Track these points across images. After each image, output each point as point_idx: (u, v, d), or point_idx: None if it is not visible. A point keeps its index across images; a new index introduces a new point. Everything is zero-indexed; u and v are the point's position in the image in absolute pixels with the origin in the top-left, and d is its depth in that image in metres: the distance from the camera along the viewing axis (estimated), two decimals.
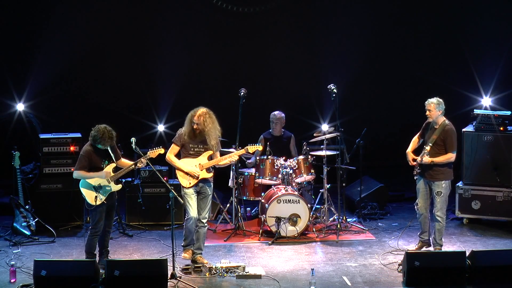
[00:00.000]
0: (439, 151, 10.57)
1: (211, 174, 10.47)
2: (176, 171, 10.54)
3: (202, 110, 10.41)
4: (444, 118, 10.65)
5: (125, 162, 10.35)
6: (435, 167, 10.56)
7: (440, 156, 10.53)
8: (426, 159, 10.50)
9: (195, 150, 10.45)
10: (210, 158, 10.48)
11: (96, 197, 10.07)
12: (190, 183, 10.41)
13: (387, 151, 14.55)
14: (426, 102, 10.60)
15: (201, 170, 10.41)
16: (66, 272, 9.45)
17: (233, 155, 10.66)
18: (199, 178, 10.41)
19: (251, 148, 10.79)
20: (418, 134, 10.86)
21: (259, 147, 10.87)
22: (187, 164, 10.43)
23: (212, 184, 10.57)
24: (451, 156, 10.54)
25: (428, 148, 10.52)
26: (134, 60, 14.30)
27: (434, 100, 10.58)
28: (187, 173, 10.42)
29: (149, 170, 12.14)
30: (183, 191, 10.42)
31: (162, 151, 10.36)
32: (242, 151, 10.75)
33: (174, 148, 10.49)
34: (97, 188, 10.10)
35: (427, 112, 10.60)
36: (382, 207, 12.90)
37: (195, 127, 10.33)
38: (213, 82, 14.50)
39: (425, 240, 10.90)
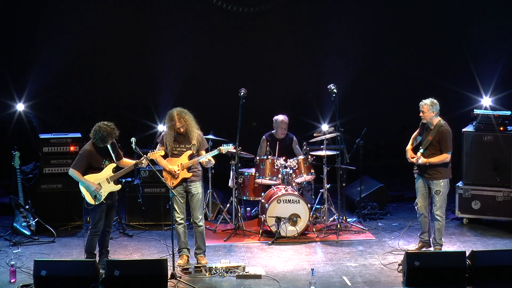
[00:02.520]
0: (435, 151, 10.58)
1: (191, 174, 10.42)
2: (162, 170, 10.57)
3: (177, 110, 10.36)
4: (439, 119, 10.65)
5: (127, 161, 10.36)
6: (433, 167, 10.58)
7: (435, 157, 10.55)
8: (421, 160, 10.54)
9: (177, 149, 10.46)
10: (193, 157, 10.45)
11: (95, 196, 10.07)
12: (172, 183, 10.42)
13: (387, 151, 14.55)
14: (420, 103, 10.61)
15: (182, 170, 10.39)
16: (66, 272, 9.44)
17: (208, 155, 10.51)
18: (180, 178, 10.40)
19: (223, 149, 10.70)
20: (416, 131, 10.89)
21: (230, 148, 10.78)
22: (169, 163, 10.44)
23: (200, 183, 10.51)
24: (446, 157, 10.55)
25: (419, 154, 10.55)
26: (134, 60, 14.31)
27: (427, 101, 10.59)
28: (169, 173, 10.44)
29: (149, 170, 12.14)
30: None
31: (162, 153, 10.38)
32: (215, 152, 10.64)
33: (160, 148, 10.51)
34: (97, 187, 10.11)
35: (421, 114, 10.62)
36: (382, 207, 12.90)
37: (182, 130, 10.33)
38: (213, 82, 14.50)
39: (426, 240, 10.90)
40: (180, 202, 10.40)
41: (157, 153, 10.35)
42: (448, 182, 10.71)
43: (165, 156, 10.52)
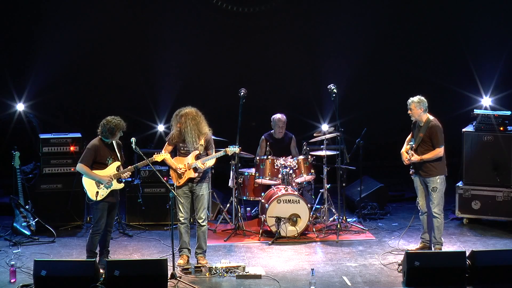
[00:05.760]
0: (427, 148, 10.62)
1: (196, 174, 10.43)
2: (170, 169, 10.57)
3: (185, 110, 10.37)
4: (428, 115, 10.68)
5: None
6: (427, 164, 10.61)
7: (428, 153, 10.57)
8: (415, 157, 10.57)
9: (185, 149, 10.46)
10: (199, 157, 10.45)
11: (97, 192, 10.07)
12: (179, 182, 10.43)
13: (387, 151, 14.54)
14: (407, 101, 10.65)
15: (188, 169, 10.39)
16: (66, 272, 9.44)
17: (213, 157, 10.51)
18: (186, 178, 10.41)
19: (229, 150, 10.68)
20: (410, 134, 10.91)
21: (237, 150, 10.78)
22: (176, 162, 10.45)
23: (205, 184, 10.52)
24: (439, 151, 10.58)
25: (408, 146, 10.62)
26: (134, 60, 14.31)
27: (415, 98, 10.64)
28: (175, 171, 10.45)
29: (149, 170, 12.15)
30: (176, 191, 10.43)
31: (168, 155, 10.38)
32: (221, 153, 10.63)
33: (167, 148, 10.53)
34: (98, 184, 10.09)
35: (409, 111, 10.68)
36: (382, 207, 12.90)
37: (178, 125, 10.35)
38: (213, 82, 14.50)
39: (427, 241, 10.89)
40: (184, 202, 10.39)
41: (163, 156, 10.32)
42: (444, 178, 10.71)
43: (173, 155, 10.53)
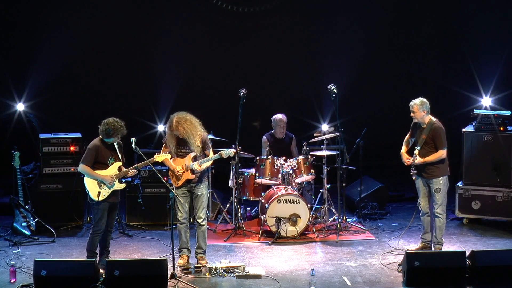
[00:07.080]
0: (430, 149, 10.63)
1: (194, 176, 10.44)
2: (168, 170, 10.57)
3: (179, 116, 10.31)
4: (430, 117, 10.69)
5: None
6: (430, 165, 10.60)
7: (431, 155, 10.58)
8: (419, 160, 10.56)
9: (182, 151, 10.46)
10: (196, 159, 10.44)
11: (99, 192, 10.07)
12: (177, 183, 10.43)
13: (387, 151, 14.55)
14: (410, 103, 10.65)
15: (186, 171, 10.39)
16: (66, 272, 9.45)
17: (209, 160, 10.51)
18: (184, 179, 10.40)
19: (224, 154, 10.65)
20: (408, 134, 10.92)
21: (231, 153, 10.77)
22: (174, 164, 10.44)
23: (204, 184, 10.52)
24: (442, 153, 10.59)
25: (416, 151, 10.60)
26: (134, 60, 14.31)
27: (417, 101, 10.64)
28: (173, 172, 10.45)
29: (149, 170, 12.15)
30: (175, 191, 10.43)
31: (169, 156, 10.38)
32: (216, 156, 10.61)
33: (164, 150, 10.55)
34: (100, 184, 10.09)
35: (412, 114, 10.68)
36: (382, 207, 12.90)
37: (181, 137, 10.33)
38: (213, 82, 14.50)
39: (427, 241, 10.89)
40: (184, 202, 10.39)
41: (163, 156, 10.32)
42: (447, 179, 10.72)
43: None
